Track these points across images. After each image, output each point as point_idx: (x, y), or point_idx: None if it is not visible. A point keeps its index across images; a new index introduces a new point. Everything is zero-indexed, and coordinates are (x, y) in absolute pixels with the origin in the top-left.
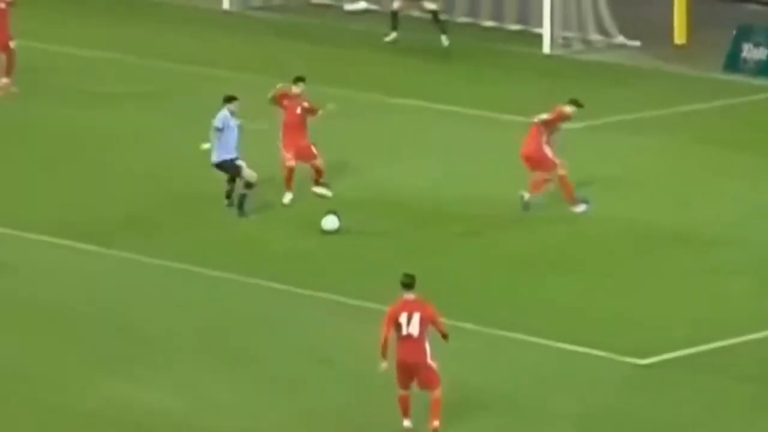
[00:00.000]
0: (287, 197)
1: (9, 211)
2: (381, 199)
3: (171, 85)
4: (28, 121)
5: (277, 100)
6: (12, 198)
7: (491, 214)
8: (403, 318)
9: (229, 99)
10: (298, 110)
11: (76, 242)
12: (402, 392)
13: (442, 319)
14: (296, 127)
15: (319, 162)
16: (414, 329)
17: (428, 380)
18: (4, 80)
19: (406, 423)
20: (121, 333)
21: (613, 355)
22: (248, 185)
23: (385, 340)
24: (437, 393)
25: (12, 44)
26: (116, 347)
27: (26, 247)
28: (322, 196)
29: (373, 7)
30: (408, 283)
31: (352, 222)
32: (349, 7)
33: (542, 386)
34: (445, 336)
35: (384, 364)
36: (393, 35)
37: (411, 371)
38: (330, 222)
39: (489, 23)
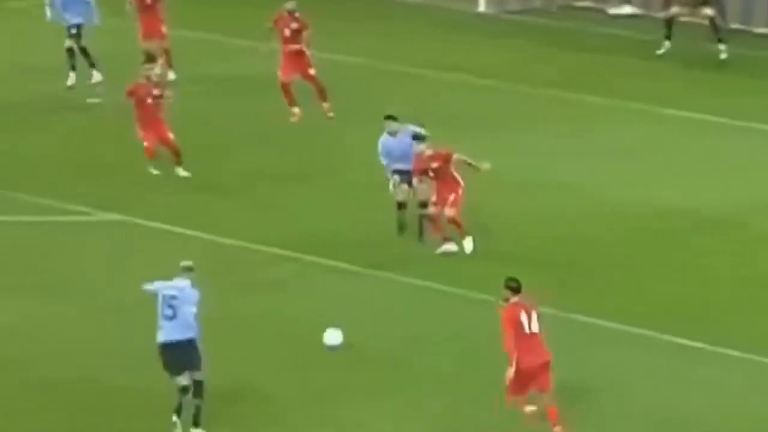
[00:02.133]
0: (467, 244)
1: (269, 228)
2: (636, 214)
3: (419, 90)
4: (281, 133)
5: (418, 170)
6: (265, 215)
7: (745, 230)
8: (523, 317)
9: (387, 117)
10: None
11: (341, 262)
12: (526, 400)
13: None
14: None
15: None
16: (535, 326)
17: (549, 381)
18: (325, 105)
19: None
20: (362, 356)
21: None
22: (422, 205)
23: (513, 346)
24: (552, 400)
25: (311, 71)
26: (358, 371)
27: (291, 266)
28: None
29: (639, 11)
30: (517, 288)
31: (601, 242)
32: (613, 10)
33: None
34: None
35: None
36: (666, 45)
37: (536, 371)
38: (333, 337)
39: (762, 30)
